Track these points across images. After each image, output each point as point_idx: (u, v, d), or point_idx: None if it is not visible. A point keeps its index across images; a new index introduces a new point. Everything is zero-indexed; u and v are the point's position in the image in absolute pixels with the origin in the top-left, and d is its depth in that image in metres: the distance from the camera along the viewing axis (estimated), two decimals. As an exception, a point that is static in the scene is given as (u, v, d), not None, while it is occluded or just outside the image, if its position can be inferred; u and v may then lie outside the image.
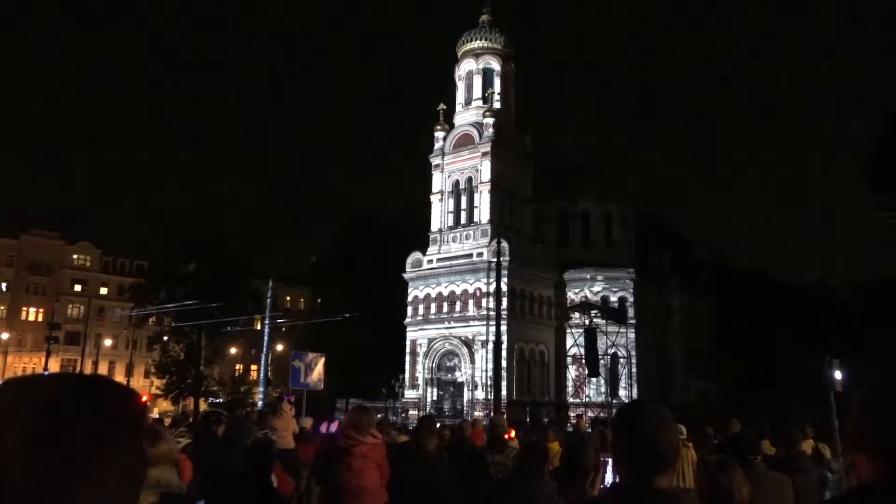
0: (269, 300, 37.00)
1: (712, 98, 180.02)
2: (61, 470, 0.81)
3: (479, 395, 43.00)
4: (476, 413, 37.56)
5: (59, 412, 0.85)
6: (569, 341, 46.47)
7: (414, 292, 50.28)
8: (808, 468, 7.08)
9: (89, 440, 0.84)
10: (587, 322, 41.36)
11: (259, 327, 44.54)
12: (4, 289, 71.21)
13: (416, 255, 50.62)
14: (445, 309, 48.31)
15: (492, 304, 39.52)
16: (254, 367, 64.80)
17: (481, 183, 49.07)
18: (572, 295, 50.55)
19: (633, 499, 2.07)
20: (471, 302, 47.07)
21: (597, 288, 50.67)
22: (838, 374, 18.50)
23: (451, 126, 52.46)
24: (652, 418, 2.16)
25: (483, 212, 48.69)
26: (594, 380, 42.95)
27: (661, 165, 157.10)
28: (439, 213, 50.96)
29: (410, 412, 42.59)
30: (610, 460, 4.49)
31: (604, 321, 42.60)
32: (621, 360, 46.69)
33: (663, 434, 2.13)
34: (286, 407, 12.21)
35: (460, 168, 50.72)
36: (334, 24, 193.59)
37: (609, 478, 4.56)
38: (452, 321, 47.57)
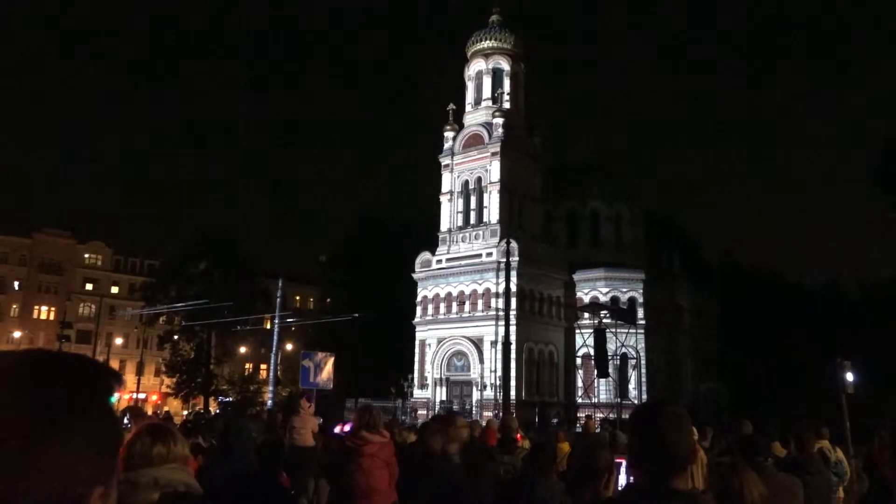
0: (278, 299, 37.08)
1: (717, 98, 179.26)
2: (27, 441, 0.82)
3: (489, 394, 42.96)
4: (485, 413, 37.53)
5: (27, 385, 0.86)
6: (578, 341, 46.40)
7: (423, 292, 50.31)
8: (819, 470, 7.05)
9: (55, 411, 0.86)
10: (596, 322, 41.24)
11: (268, 326, 44.65)
12: (17, 287, 71.67)
13: (426, 254, 50.64)
14: (455, 309, 48.32)
15: (501, 304, 39.48)
16: (263, 366, 64.91)
17: (491, 183, 49.03)
18: (582, 295, 50.44)
19: (649, 500, 2.07)
20: (480, 302, 47.07)
21: (606, 288, 50.53)
22: (850, 376, 18.41)
23: (461, 126, 52.44)
24: (669, 419, 2.16)
25: (492, 212, 48.66)
26: (603, 380, 42.83)
27: (669, 166, 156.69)
28: (449, 213, 50.96)
29: (420, 412, 42.60)
30: (623, 462, 4.49)
31: (613, 322, 42.49)
32: (631, 361, 46.54)
33: (680, 435, 2.12)
34: (305, 405, 12.14)
35: (470, 168, 50.71)
36: (341, 23, 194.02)
37: (623, 479, 4.56)
38: (462, 321, 47.58)
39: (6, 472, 0.81)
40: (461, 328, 47.55)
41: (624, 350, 44.43)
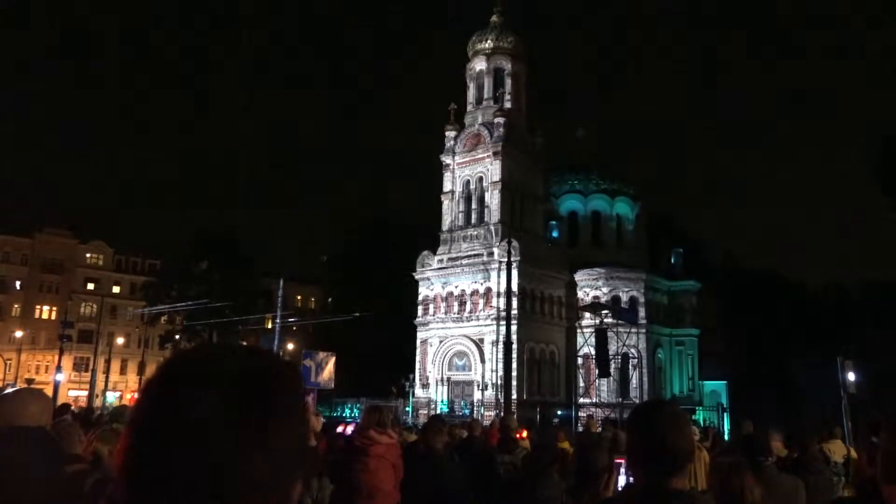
0: (279, 299, 37.15)
1: (717, 98, 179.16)
2: (250, 438, 0.87)
3: (490, 394, 42.97)
4: (487, 413, 37.54)
5: (252, 384, 0.91)
6: (579, 341, 46.38)
7: (424, 292, 50.28)
8: (820, 470, 7.07)
9: (275, 411, 0.91)
10: (598, 322, 41.26)
11: (270, 326, 44.68)
12: (18, 287, 71.61)
13: (427, 254, 50.60)
14: (456, 308, 48.30)
15: (502, 304, 39.49)
16: (265, 365, 64.92)
17: (492, 183, 48.99)
18: (583, 295, 50.41)
19: (648, 500, 2.09)
20: (481, 301, 47.05)
21: (607, 288, 50.52)
22: (851, 376, 18.48)
23: (462, 126, 52.39)
24: (668, 418, 2.18)
25: (493, 212, 48.63)
26: (605, 380, 42.84)
27: (669, 166, 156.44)
28: (450, 212, 50.93)
29: (421, 411, 42.63)
30: (624, 462, 4.52)
31: (614, 321, 42.51)
32: (632, 361, 46.55)
33: (679, 434, 2.14)
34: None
35: (471, 168, 50.66)
36: (345, 24, 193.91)
37: (623, 479, 4.59)
38: (463, 321, 47.54)
39: (246, 463, 0.86)
40: (462, 328, 47.52)
41: (625, 349, 44.46)
